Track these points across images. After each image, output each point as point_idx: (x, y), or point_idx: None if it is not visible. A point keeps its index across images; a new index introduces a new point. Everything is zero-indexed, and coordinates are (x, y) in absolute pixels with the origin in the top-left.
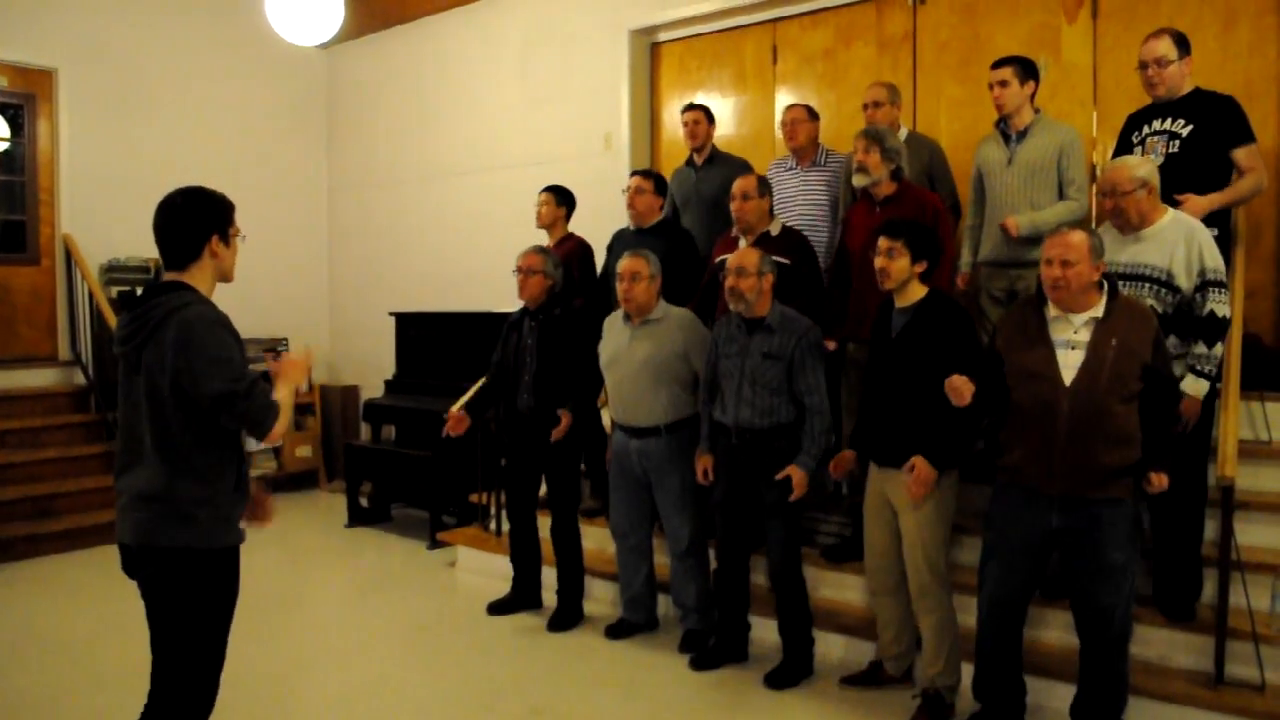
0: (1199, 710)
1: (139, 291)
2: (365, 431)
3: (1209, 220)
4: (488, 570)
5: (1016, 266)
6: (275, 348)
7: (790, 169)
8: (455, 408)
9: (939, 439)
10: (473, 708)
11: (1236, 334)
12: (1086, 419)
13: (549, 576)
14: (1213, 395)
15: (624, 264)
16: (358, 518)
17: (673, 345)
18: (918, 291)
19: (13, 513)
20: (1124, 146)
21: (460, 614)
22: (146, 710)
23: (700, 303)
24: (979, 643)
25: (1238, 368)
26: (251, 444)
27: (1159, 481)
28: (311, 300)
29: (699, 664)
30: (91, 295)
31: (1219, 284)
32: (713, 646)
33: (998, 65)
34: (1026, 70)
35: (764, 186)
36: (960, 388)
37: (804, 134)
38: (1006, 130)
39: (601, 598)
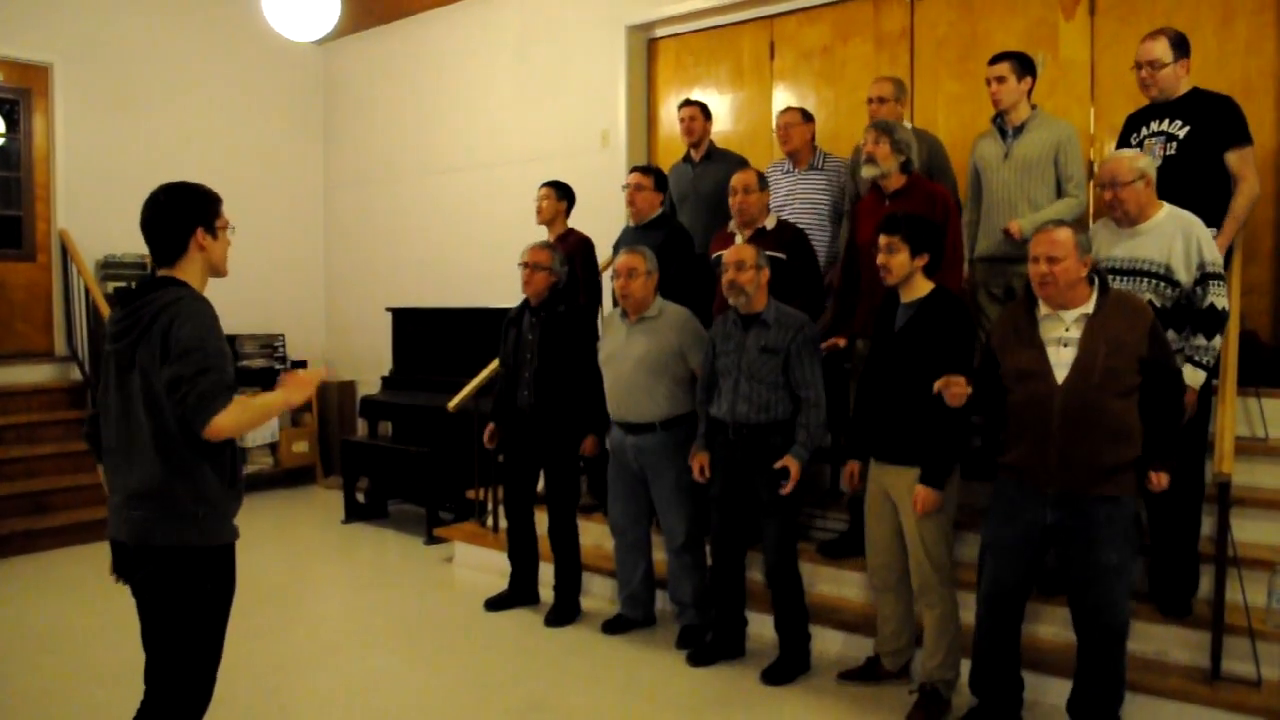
0: (1195, 706)
1: (134, 287)
2: (362, 427)
3: (1210, 221)
4: (485, 566)
5: (1014, 263)
6: (273, 343)
7: (787, 172)
8: (454, 403)
9: (936, 453)
10: (470, 703)
11: (1234, 331)
12: (1081, 416)
13: (546, 572)
14: (1210, 391)
15: (620, 260)
16: (354, 514)
17: (669, 343)
18: (923, 287)
19: (9, 508)
20: (1123, 148)
21: (457, 610)
22: (142, 708)
23: (700, 300)
24: (976, 638)
25: (1235, 364)
26: (247, 439)
27: (1158, 480)
28: (308, 296)
29: (696, 660)
30: (88, 291)
31: (1218, 277)
32: (710, 642)
33: (994, 61)
34: (1023, 66)
35: (763, 180)
36: (954, 388)
37: (798, 137)
38: (1003, 126)
39: (599, 593)
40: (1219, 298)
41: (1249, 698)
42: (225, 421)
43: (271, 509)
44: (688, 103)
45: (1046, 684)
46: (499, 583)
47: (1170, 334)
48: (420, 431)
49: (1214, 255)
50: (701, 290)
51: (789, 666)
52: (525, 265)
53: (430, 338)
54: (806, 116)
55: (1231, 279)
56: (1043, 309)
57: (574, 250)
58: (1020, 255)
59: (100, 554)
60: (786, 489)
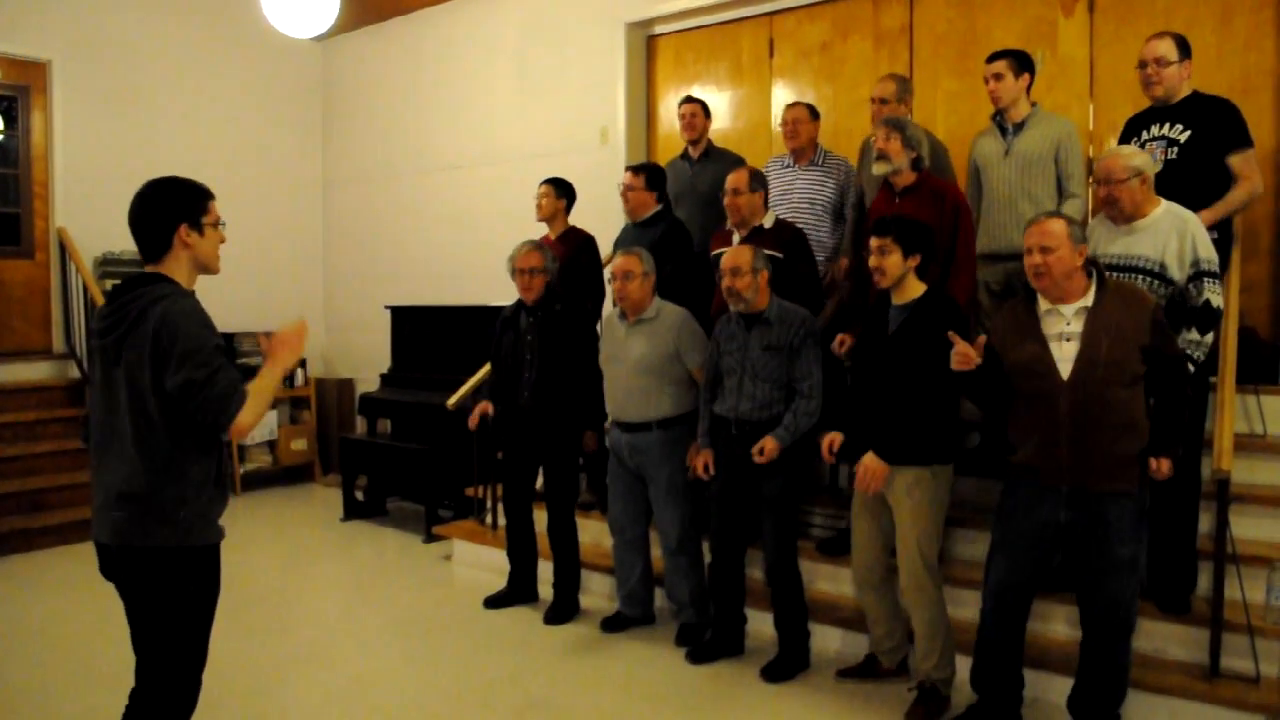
0: (1194, 703)
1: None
2: (361, 425)
3: (1212, 226)
4: (484, 564)
5: (1013, 259)
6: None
7: (787, 166)
8: (453, 401)
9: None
10: (469, 701)
11: (1232, 328)
12: (1088, 410)
13: (545, 570)
14: (1208, 388)
15: (617, 263)
16: (353, 511)
17: (666, 345)
18: (915, 289)
19: (6, 507)
20: None
21: (456, 608)
22: (130, 707)
23: (698, 298)
24: (980, 634)
25: (1233, 361)
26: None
27: (1158, 467)
28: (307, 294)
29: (695, 657)
30: (86, 289)
31: (1212, 274)
32: (709, 640)
33: (992, 59)
34: (1021, 63)
35: (756, 181)
36: (960, 351)
37: (806, 134)
38: (1003, 123)
39: (598, 591)
40: (1214, 295)
41: (1248, 694)
42: (246, 417)
43: (270, 507)
44: (689, 100)
45: (1046, 681)
46: (498, 581)
47: None
48: (419, 429)
49: (1209, 253)
50: (700, 288)
51: (789, 664)
52: (524, 272)
53: (429, 336)
54: (814, 114)
55: (1230, 276)
56: (1043, 304)
57: (579, 248)
58: (1019, 251)
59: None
60: (761, 460)
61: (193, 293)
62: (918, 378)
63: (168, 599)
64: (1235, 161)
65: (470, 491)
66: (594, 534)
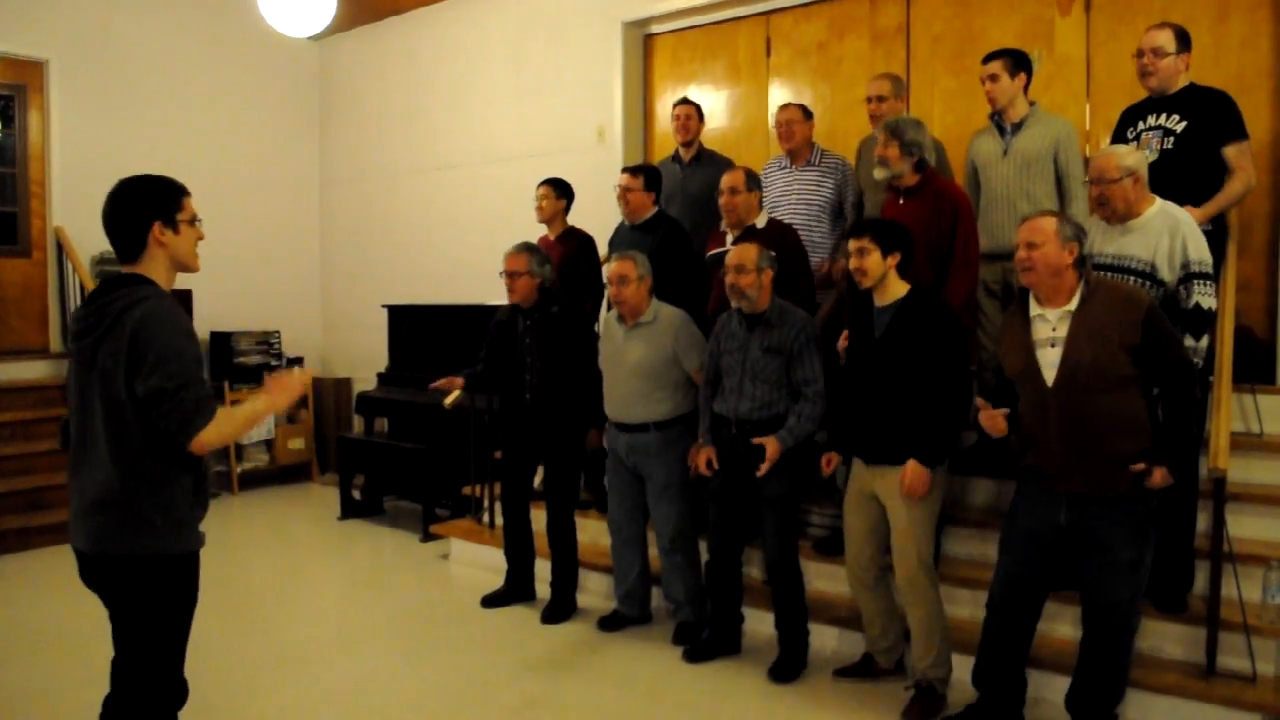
0: (1191, 701)
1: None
2: (358, 424)
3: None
4: (481, 563)
5: (1011, 259)
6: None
7: (784, 168)
8: (450, 400)
9: (929, 436)
10: (466, 700)
11: (1229, 326)
12: (1075, 417)
13: (542, 569)
14: (1204, 388)
15: (612, 267)
16: (350, 510)
17: (664, 348)
18: (898, 289)
19: (4, 506)
20: (1120, 142)
21: (453, 606)
22: (108, 706)
23: (696, 299)
24: (985, 632)
25: (1230, 361)
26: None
27: (1156, 477)
28: (304, 293)
29: (692, 656)
30: (83, 288)
31: (1204, 276)
32: (706, 639)
33: (988, 59)
34: (1017, 63)
35: (752, 181)
36: (992, 420)
37: (800, 134)
38: (1001, 123)
39: (595, 590)
40: (1205, 297)
41: (1244, 693)
42: (210, 435)
43: (267, 506)
44: (684, 101)
45: (1048, 680)
46: (495, 579)
47: None
48: (416, 428)
49: (1200, 254)
50: (699, 289)
51: (793, 663)
52: (506, 274)
53: (426, 335)
54: (807, 114)
55: (1226, 275)
56: (1033, 309)
57: (578, 250)
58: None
59: None
60: (763, 469)
61: (173, 295)
62: (908, 378)
63: (146, 606)
64: (1230, 153)
65: (467, 490)
66: (592, 533)
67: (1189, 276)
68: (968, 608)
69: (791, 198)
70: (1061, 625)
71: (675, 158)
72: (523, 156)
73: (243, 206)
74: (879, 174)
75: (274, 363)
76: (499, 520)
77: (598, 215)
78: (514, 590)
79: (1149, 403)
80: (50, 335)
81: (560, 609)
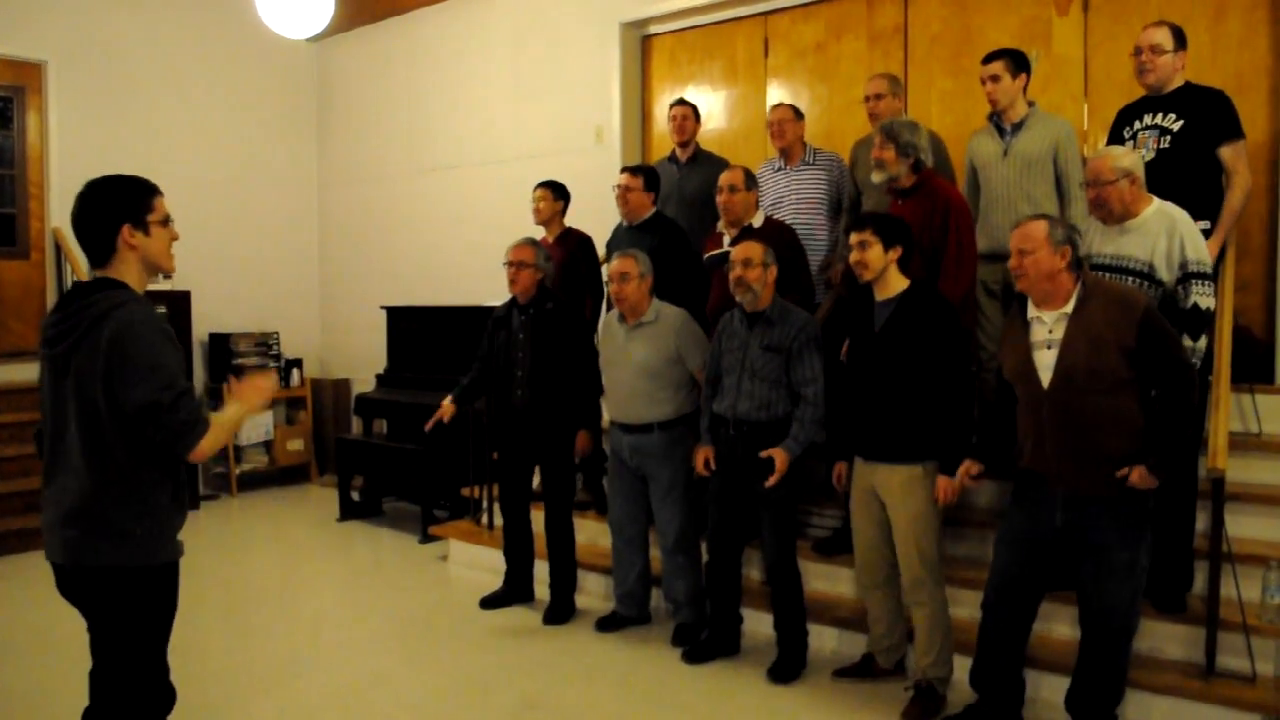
0: (1190, 701)
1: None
2: (357, 425)
3: (1203, 216)
4: (480, 564)
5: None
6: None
7: (779, 169)
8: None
9: (945, 441)
10: (465, 701)
11: (1227, 326)
12: (1069, 419)
13: (541, 570)
14: (1203, 388)
15: (613, 265)
16: (349, 512)
17: (666, 348)
18: (898, 283)
19: (4, 507)
20: (1116, 141)
21: (452, 608)
22: (87, 718)
23: (696, 299)
24: (981, 632)
25: (1228, 360)
26: (242, 437)
27: (1134, 476)
28: (302, 294)
29: (691, 657)
30: None
31: (1202, 275)
32: (705, 639)
33: (988, 60)
34: (1018, 63)
35: (750, 180)
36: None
37: (791, 133)
38: (1000, 123)
39: (593, 591)
40: (1203, 297)
41: (1243, 693)
42: (208, 444)
43: (266, 507)
44: (680, 102)
45: (1045, 680)
46: (494, 581)
47: None
48: (415, 430)
49: (1198, 254)
50: (698, 289)
51: (792, 664)
52: (511, 264)
53: (425, 336)
54: (798, 114)
55: (1224, 275)
56: (1031, 310)
57: (577, 249)
58: None
59: None
60: (771, 480)
61: (149, 298)
62: (907, 374)
63: (125, 618)
64: (1226, 153)
65: (466, 491)
66: (590, 534)
67: (1187, 276)
68: (968, 608)
69: (791, 198)
70: (1059, 625)
71: (672, 158)
72: (521, 157)
73: (241, 208)
74: (876, 177)
75: (272, 364)
76: (498, 521)
77: (596, 215)
78: (513, 591)
79: (1145, 405)
80: None
81: (559, 610)
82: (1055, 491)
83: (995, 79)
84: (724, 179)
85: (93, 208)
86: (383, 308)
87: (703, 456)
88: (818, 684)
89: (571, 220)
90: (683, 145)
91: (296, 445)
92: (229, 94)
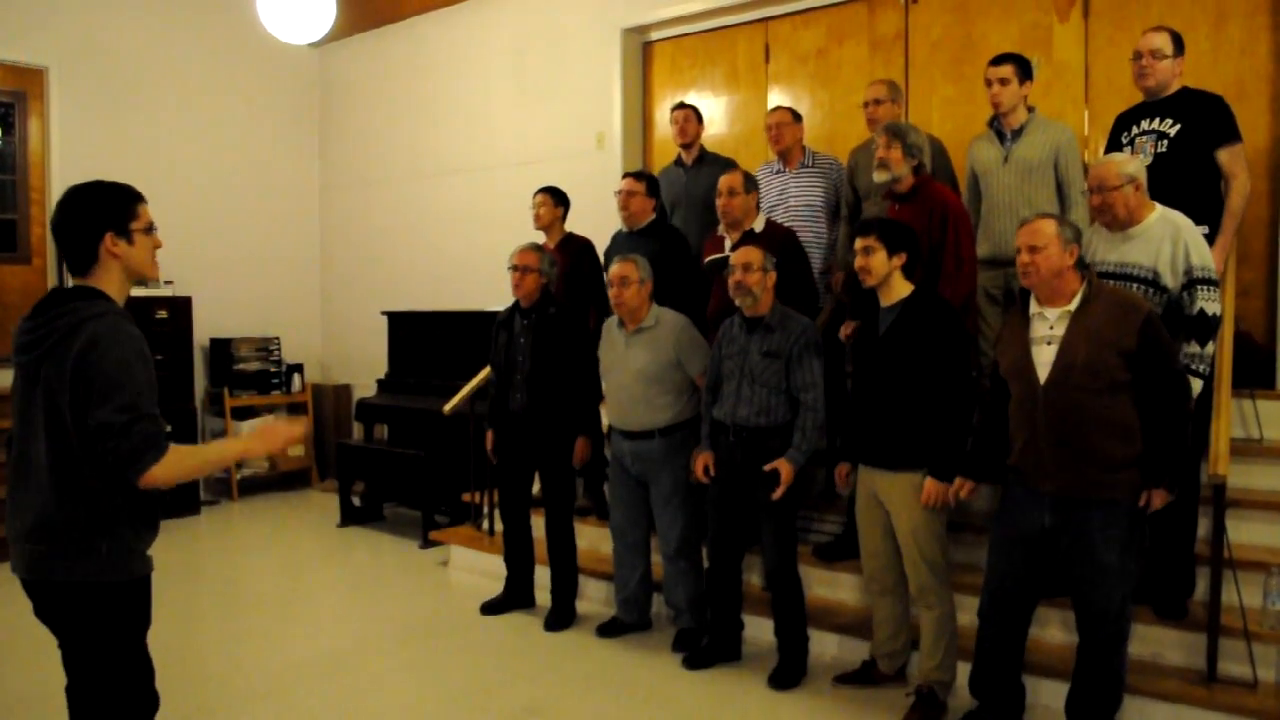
0: (1192, 708)
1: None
2: (357, 430)
3: (1202, 221)
4: (480, 569)
5: (1011, 264)
6: (269, 344)
7: (778, 172)
8: (450, 406)
9: (942, 448)
10: (466, 707)
11: (1229, 332)
12: (1064, 416)
13: (542, 576)
14: (1208, 393)
15: (613, 269)
16: (350, 517)
17: (666, 354)
18: (902, 289)
19: (4, 512)
20: (1114, 146)
21: (453, 613)
22: None
23: (696, 304)
24: (979, 640)
25: (1229, 366)
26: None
27: (1156, 501)
28: (303, 299)
29: (692, 663)
30: None
31: (1207, 281)
32: (706, 645)
33: (998, 62)
34: (1024, 69)
35: (750, 182)
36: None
37: (789, 137)
38: (1001, 129)
39: (594, 596)
40: (1209, 303)
41: (1245, 700)
42: (161, 473)
43: (267, 512)
44: (681, 105)
45: (1044, 686)
46: (495, 586)
47: None
48: (416, 435)
49: (1203, 259)
50: (698, 294)
51: (793, 670)
52: (515, 268)
53: (426, 341)
54: (796, 117)
55: (1225, 280)
56: (1033, 307)
57: (579, 254)
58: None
59: None
60: (777, 493)
61: (127, 311)
62: (911, 380)
63: (94, 635)
64: (1224, 157)
65: (467, 497)
66: (591, 539)
67: (1192, 282)
68: (968, 614)
69: (789, 201)
70: (1051, 629)
71: (678, 162)
72: (522, 162)
73: (243, 213)
74: (880, 176)
75: (273, 368)
76: (499, 527)
77: (597, 221)
78: (513, 597)
79: (1140, 411)
80: None
81: (561, 616)
82: (1044, 491)
83: (1004, 82)
84: (723, 182)
85: (75, 215)
86: (384, 313)
87: (702, 462)
88: (818, 690)
89: (572, 225)
90: (686, 148)
91: (297, 450)
92: (231, 99)
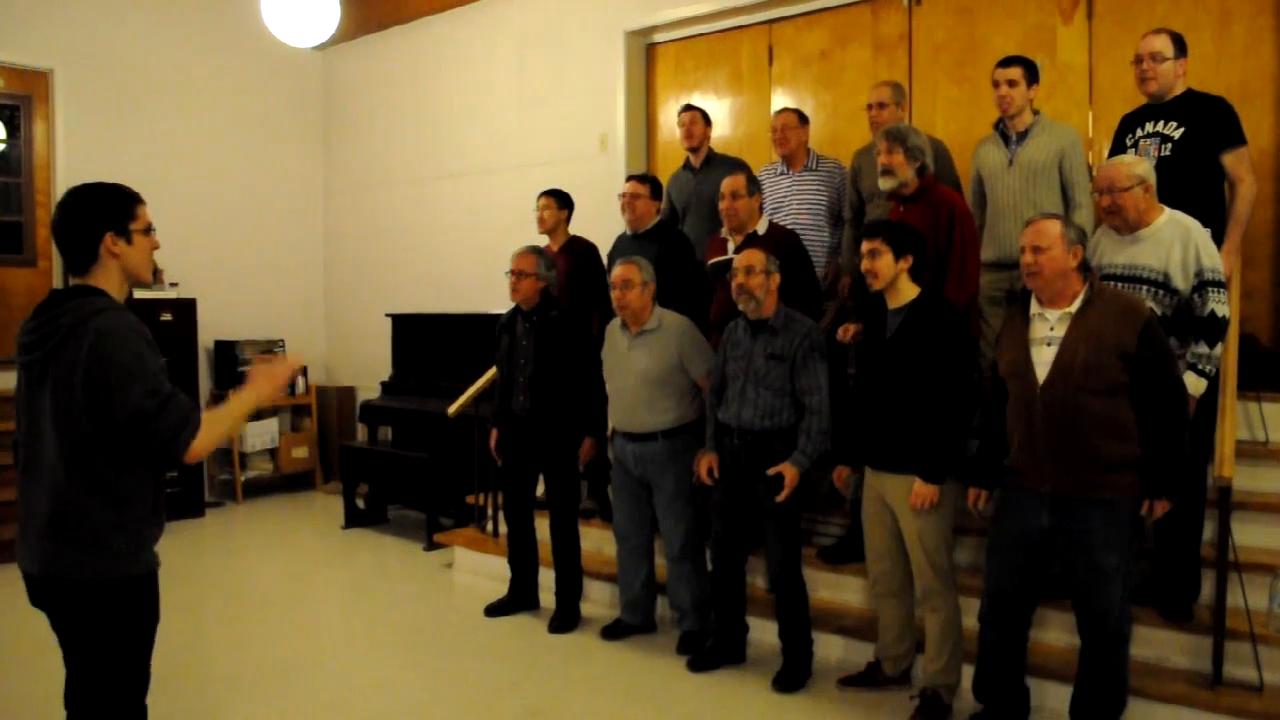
0: (1197, 711)
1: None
2: (362, 432)
3: (1208, 223)
4: (485, 571)
5: (1016, 267)
6: (273, 348)
7: (781, 173)
8: (454, 408)
9: (933, 450)
10: (470, 709)
11: (1234, 335)
12: (1062, 416)
13: (546, 578)
14: (1214, 396)
15: (616, 272)
16: (354, 519)
17: (669, 356)
18: (909, 291)
19: (7, 515)
20: (1118, 149)
21: (457, 615)
22: None
23: (699, 307)
24: (981, 643)
25: (1235, 368)
26: (247, 444)
27: (1159, 511)
28: (308, 302)
29: (696, 665)
30: None
31: (1217, 283)
32: (710, 648)
33: (1007, 64)
34: (1032, 72)
35: (753, 185)
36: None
37: (795, 139)
38: (1006, 131)
39: (598, 599)
40: (1219, 305)
41: (1250, 703)
42: (200, 445)
43: (271, 514)
44: (688, 108)
45: (1049, 689)
46: (499, 588)
47: (1172, 341)
48: (420, 437)
49: (1213, 262)
50: (701, 297)
51: (798, 673)
52: (512, 273)
53: (430, 343)
54: (802, 119)
55: (1231, 282)
56: (1033, 308)
57: (580, 258)
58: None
59: None
60: (781, 496)
61: (125, 308)
62: (917, 383)
63: (100, 632)
64: (1229, 159)
65: (471, 499)
66: (595, 541)
67: (1203, 284)
68: (973, 617)
69: (792, 203)
70: (1053, 631)
71: (686, 165)
72: (526, 165)
73: (247, 216)
74: (886, 184)
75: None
76: (503, 529)
77: (600, 223)
78: (518, 599)
79: (1138, 414)
80: None
81: (565, 618)
82: (1041, 491)
83: (1013, 84)
84: (726, 185)
85: (75, 215)
86: (388, 315)
87: (705, 465)
88: (823, 693)
89: (575, 228)
90: (694, 150)
91: (301, 452)
92: (235, 102)
